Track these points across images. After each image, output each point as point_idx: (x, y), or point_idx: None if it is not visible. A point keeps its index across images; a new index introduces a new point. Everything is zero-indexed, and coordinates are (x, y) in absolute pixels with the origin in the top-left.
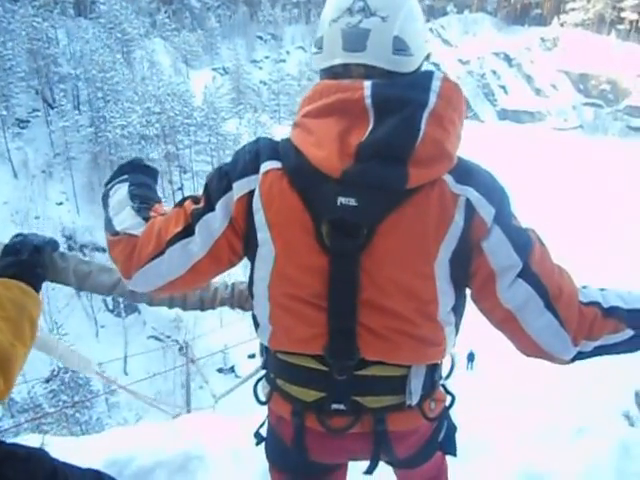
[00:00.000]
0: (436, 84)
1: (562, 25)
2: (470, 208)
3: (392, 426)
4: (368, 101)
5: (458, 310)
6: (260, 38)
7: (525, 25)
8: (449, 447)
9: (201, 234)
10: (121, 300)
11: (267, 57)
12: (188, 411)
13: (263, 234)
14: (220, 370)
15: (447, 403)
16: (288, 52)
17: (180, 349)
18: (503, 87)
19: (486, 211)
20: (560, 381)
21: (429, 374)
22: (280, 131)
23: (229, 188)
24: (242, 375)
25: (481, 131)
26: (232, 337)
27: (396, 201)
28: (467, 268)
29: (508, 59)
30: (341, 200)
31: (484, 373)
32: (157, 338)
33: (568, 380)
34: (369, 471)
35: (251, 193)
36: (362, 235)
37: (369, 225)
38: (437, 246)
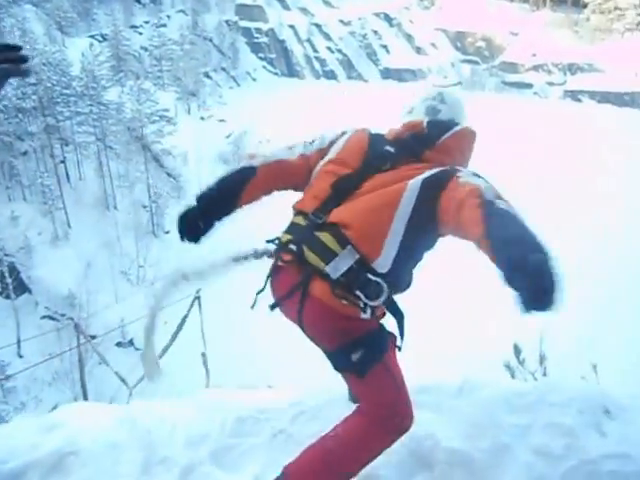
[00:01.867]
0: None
1: None
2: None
3: (313, 289)
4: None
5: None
6: (138, 2)
7: None
8: (357, 366)
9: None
10: (10, 281)
11: (147, 22)
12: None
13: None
14: (119, 344)
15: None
16: (169, 16)
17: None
18: (385, 47)
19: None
20: (442, 335)
21: (359, 267)
22: (164, 97)
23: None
24: (141, 347)
25: (365, 91)
26: (128, 311)
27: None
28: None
29: (388, 19)
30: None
31: None
32: (51, 317)
33: (452, 334)
34: (286, 297)
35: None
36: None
37: (392, 164)
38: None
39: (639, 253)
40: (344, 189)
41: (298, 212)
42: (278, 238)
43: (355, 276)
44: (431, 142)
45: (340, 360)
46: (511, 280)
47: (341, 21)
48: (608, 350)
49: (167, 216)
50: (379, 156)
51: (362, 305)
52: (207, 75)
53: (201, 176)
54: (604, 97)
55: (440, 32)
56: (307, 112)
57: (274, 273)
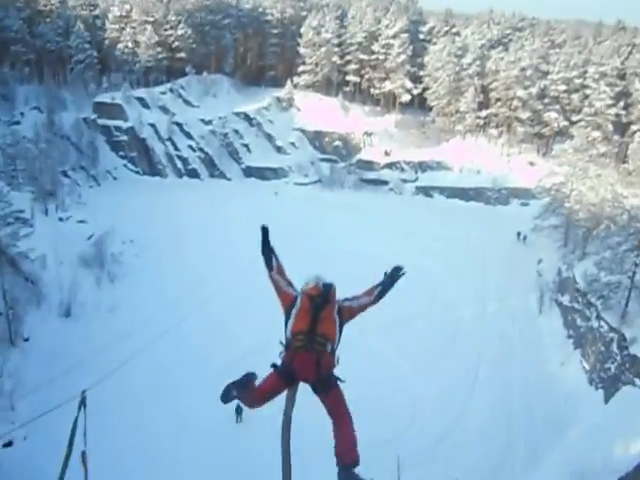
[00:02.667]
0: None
1: (295, 87)
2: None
3: (324, 357)
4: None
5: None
6: None
7: (262, 86)
8: (332, 386)
9: None
10: None
11: None
12: None
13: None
14: None
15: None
16: (22, 113)
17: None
18: (246, 145)
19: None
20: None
21: (332, 347)
22: (19, 198)
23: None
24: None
25: (227, 188)
26: None
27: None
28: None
29: (248, 118)
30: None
31: None
32: None
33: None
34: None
35: None
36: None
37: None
38: None
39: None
40: (315, 319)
41: (298, 332)
42: (287, 345)
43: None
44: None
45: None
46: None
47: (202, 120)
48: None
49: (26, 323)
50: (319, 305)
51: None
52: (65, 174)
53: (62, 279)
54: (452, 192)
55: (299, 132)
56: (169, 211)
57: (294, 359)
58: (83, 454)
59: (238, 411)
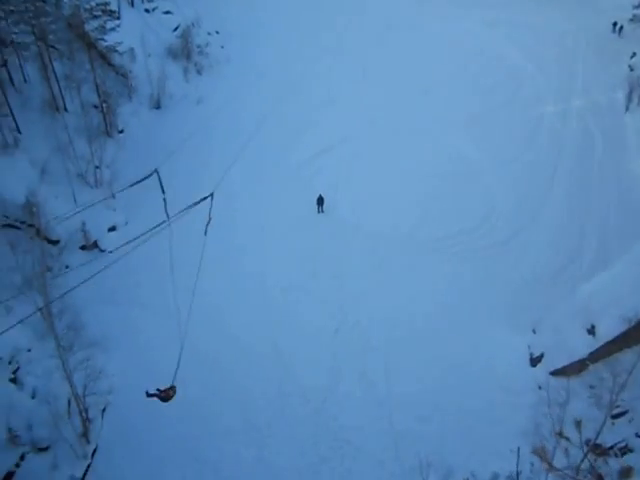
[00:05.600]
0: None
1: None
2: None
3: None
4: None
5: None
6: None
7: None
8: None
9: None
10: None
11: None
12: None
13: None
14: (83, 247)
15: None
16: None
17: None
18: None
19: None
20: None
21: None
22: None
23: None
24: (106, 248)
25: None
26: (88, 214)
27: None
28: None
29: None
30: None
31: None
32: (12, 225)
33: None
34: None
35: None
36: None
37: None
38: None
39: None
40: None
41: None
42: None
43: None
44: None
45: None
46: None
47: None
48: None
49: (120, 115)
50: None
51: None
52: None
53: (151, 72)
54: None
55: None
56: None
57: None
58: None
59: (319, 202)
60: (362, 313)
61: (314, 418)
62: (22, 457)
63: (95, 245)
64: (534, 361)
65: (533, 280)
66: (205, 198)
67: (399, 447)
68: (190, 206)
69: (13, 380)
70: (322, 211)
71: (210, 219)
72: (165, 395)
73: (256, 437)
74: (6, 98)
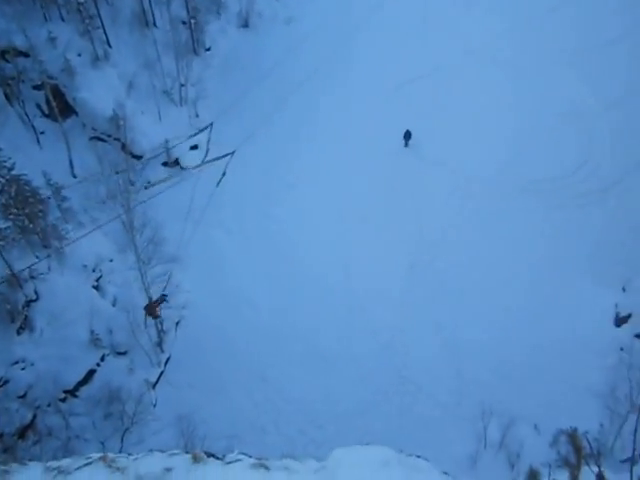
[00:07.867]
0: None
1: None
2: None
3: None
4: None
5: None
6: None
7: None
8: None
9: None
10: (54, 104)
11: None
12: None
13: None
14: (165, 164)
15: None
16: None
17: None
18: None
19: None
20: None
21: None
22: None
23: None
24: (187, 166)
25: None
26: (172, 131)
27: None
28: None
29: None
30: None
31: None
32: (99, 138)
33: None
34: None
35: None
36: None
37: None
38: None
39: None
40: None
41: None
42: None
43: None
44: None
45: None
46: None
47: None
48: None
49: (207, 32)
50: None
51: None
52: None
53: None
54: None
55: None
56: None
57: None
58: None
59: (406, 137)
60: (439, 254)
61: (380, 353)
62: (102, 358)
63: (176, 162)
64: (620, 321)
65: (630, 234)
66: (226, 155)
67: (463, 393)
68: (215, 159)
69: (96, 287)
70: (407, 145)
71: (224, 174)
72: (151, 310)
73: (322, 366)
74: (98, 11)
